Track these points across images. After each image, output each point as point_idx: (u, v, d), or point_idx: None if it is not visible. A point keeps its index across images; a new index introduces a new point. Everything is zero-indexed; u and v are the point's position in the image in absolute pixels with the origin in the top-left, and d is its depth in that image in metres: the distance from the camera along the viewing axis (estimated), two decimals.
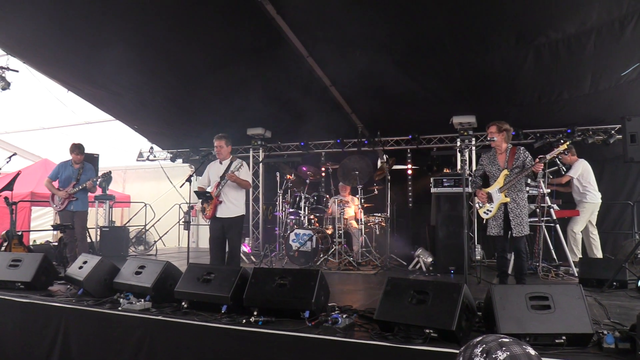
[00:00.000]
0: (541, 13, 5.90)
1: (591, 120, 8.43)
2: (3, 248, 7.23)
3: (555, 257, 7.33)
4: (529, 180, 6.03)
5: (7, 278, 5.36)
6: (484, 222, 5.72)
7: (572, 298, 3.25)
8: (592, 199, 7.18)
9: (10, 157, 7.99)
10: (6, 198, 7.38)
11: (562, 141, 5.37)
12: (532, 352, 1.30)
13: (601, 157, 8.17)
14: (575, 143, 8.11)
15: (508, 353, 1.27)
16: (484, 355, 1.30)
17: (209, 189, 6.28)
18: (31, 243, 10.56)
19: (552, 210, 6.98)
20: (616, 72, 6.88)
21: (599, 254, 7.30)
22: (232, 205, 6.14)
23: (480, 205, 5.59)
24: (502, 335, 1.37)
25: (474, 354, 1.33)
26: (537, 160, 5.19)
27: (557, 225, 7.00)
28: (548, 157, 5.33)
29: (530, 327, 3.14)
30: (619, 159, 7.84)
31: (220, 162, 6.33)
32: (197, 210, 6.52)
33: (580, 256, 7.00)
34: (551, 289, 3.32)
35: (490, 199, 5.45)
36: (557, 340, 3.09)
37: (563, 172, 7.38)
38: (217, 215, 6.10)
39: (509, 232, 5.34)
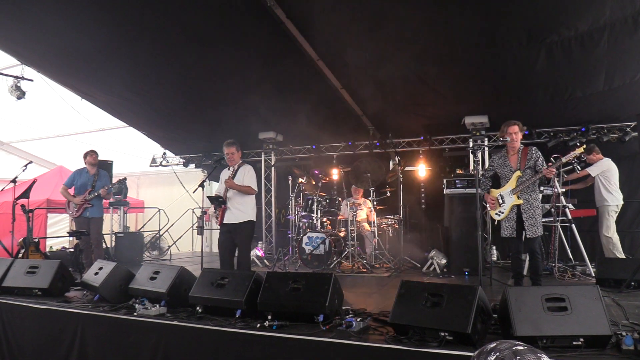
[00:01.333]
0: (552, 11, 5.84)
1: (606, 118, 8.33)
2: (20, 255, 7.32)
3: (571, 257, 7.26)
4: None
5: (25, 285, 5.43)
6: (496, 223, 5.67)
7: (590, 299, 3.21)
8: (612, 201, 7.04)
9: (26, 165, 8.10)
10: (23, 205, 7.48)
11: (578, 144, 5.28)
12: None
13: (616, 155, 8.04)
14: (590, 141, 8.02)
15: None
16: None
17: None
18: (47, 249, 10.69)
19: (567, 209, 6.91)
20: (631, 69, 6.80)
21: (620, 255, 7.19)
22: (237, 211, 6.08)
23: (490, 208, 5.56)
24: (516, 343, 1.34)
25: None
26: (550, 164, 5.12)
27: (573, 225, 6.92)
28: (564, 159, 5.27)
29: (547, 329, 3.11)
30: (635, 157, 7.76)
31: (229, 168, 6.35)
32: (210, 214, 6.52)
33: (623, 256, 6.88)
34: (568, 290, 3.29)
35: (502, 200, 5.41)
36: (574, 343, 3.05)
37: (578, 171, 7.28)
38: (225, 222, 6.10)
39: (523, 233, 5.29)
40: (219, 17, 6.62)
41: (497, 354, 1.30)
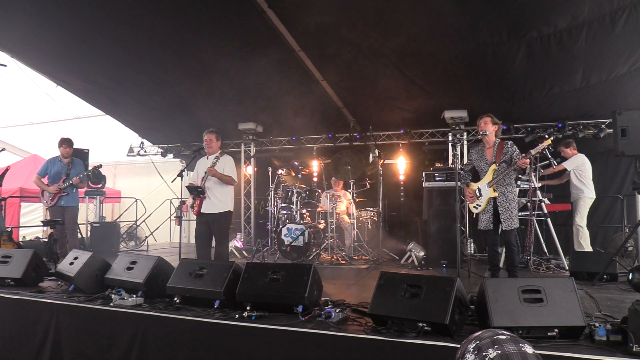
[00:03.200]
0: (533, 7, 5.91)
1: (582, 115, 8.48)
2: None
3: (546, 250, 7.38)
4: (519, 175, 6.05)
5: None
6: (474, 216, 5.74)
7: (564, 291, 3.26)
8: (588, 194, 7.18)
9: None
10: None
11: (546, 136, 5.40)
12: (530, 350, 1.24)
13: (592, 151, 8.21)
14: (567, 137, 8.15)
15: (499, 352, 1.22)
16: (476, 351, 1.26)
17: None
18: (20, 239, 10.47)
19: (543, 204, 7.02)
20: (607, 66, 6.92)
21: (587, 248, 7.34)
22: (218, 201, 6.03)
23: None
24: (500, 332, 1.32)
25: (467, 350, 1.29)
26: (524, 155, 5.20)
27: (549, 219, 7.04)
28: (533, 152, 5.35)
29: (523, 320, 3.16)
30: (609, 153, 7.91)
31: (207, 157, 6.28)
32: (188, 205, 6.46)
33: (590, 249, 7.02)
34: (543, 282, 3.34)
35: (479, 193, 5.47)
36: (549, 333, 3.11)
37: (554, 166, 7.40)
38: (202, 211, 6.04)
39: (499, 226, 5.36)
40: (198, 5, 6.53)
41: (477, 342, 1.29)
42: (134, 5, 6.56)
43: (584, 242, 7.11)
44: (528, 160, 5.18)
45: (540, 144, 5.39)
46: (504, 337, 1.28)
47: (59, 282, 5.38)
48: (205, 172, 6.06)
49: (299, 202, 8.62)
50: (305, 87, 8.35)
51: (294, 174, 9.23)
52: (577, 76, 7.18)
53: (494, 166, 5.39)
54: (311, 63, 7.74)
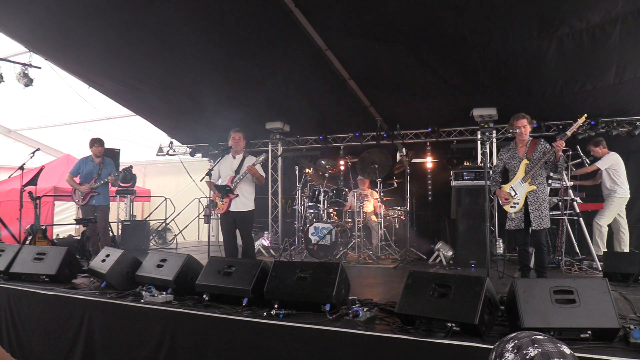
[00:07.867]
0: (564, 2, 5.78)
1: (615, 112, 8.25)
2: (28, 242, 7.36)
3: (578, 250, 7.22)
4: (551, 174, 5.93)
5: (32, 271, 5.47)
6: (513, 216, 5.62)
7: (598, 292, 3.18)
8: (622, 194, 7.03)
9: (33, 153, 8.13)
10: (30, 192, 7.51)
11: (578, 115, 5.22)
12: (567, 350, 1.27)
13: (625, 149, 8.00)
14: (599, 135, 7.96)
15: (540, 350, 1.25)
16: (515, 350, 1.29)
17: (218, 183, 6.34)
18: (54, 237, 10.74)
19: (575, 203, 6.87)
20: None
21: (625, 249, 7.16)
22: (246, 199, 6.26)
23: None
24: (536, 332, 1.35)
25: (505, 349, 1.31)
26: (558, 139, 5.07)
27: (581, 219, 6.88)
28: (568, 133, 5.23)
29: (555, 322, 3.09)
30: None
31: (234, 157, 6.39)
32: (216, 200, 6.55)
33: (605, 250, 6.87)
34: (576, 283, 3.26)
35: (514, 192, 5.37)
36: (582, 335, 3.04)
37: (587, 165, 7.24)
38: (231, 209, 6.19)
39: (530, 225, 5.27)
40: (225, 5, 6.59)
41: (516, 341, 1.32)
42: (160, 6, 6.66)
43: (601, 240, 6.97)
44: (563, 143, 5.07)
45: (574, 123, 5.26)
46: (541, 337, 1.32)
47: (92, 279, 5.50)
48: (236, 172, 6.18)
49: (326, 201, 8.62)
50: (332, 86, 8.34)
51: (321, 173, 9.23)
52: (611, 72, 6.99)
53: (525, 161, 5.31)
54: (338, 62, 7.73)
